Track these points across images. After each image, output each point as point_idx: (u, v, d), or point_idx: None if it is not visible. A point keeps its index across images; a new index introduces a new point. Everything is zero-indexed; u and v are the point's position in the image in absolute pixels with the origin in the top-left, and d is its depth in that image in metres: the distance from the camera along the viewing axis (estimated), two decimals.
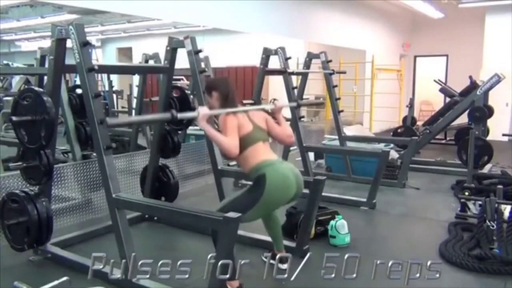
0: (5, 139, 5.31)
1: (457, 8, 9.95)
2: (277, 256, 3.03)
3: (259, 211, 2.65)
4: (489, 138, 6.50)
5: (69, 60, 2.93)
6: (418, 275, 2.99)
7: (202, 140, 5.28)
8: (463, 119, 6.93)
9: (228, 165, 4.36)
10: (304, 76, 6.06)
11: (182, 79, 8.69)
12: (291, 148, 5.89)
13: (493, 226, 3.37)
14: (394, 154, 5.74)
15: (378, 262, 3.18)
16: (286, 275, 2.94)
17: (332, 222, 3.49)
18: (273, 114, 3.03)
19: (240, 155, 2.68)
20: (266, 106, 3.06)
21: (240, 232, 2.61)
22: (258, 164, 2.65)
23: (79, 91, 4.58)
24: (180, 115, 2.64)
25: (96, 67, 2.78)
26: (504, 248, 3.16)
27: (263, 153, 2.71)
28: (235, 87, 2.90)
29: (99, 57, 13.64)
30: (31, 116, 2.86)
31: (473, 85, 6.60)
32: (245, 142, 2.67)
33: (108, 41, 14.08)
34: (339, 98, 5.93)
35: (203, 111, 2.61)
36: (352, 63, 9.53)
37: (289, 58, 4.95)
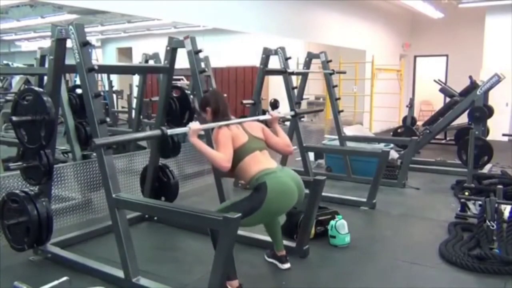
0: (5, 139, 5.31)
1: (457, 8, 9.95)
2: (277, 256, 3.04)
3: (259, 218, 2.64)
4: (489, 138, 6.50)
5: (69, 60, 2.93)
6: (418, 275, 3.00)
7: (202, 140, 5.28)
8: (463, 119, 6.93)
9: None
10: (304, 76, 6.07)
11: (182, 79, 8.69)
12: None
13: (493, 226, 3.37)
14: (394, 154, 5.74)
15: (378, 262, 3.20)
16: (286, 275, 2.95)
17: (332, 222, 3.49)
18: (270, 124, 3.04)
19: (237, 167, 2.67)
20: (261, 117, 3.06)
21: (240, 232, 2.61)
22: (258, 173, 2.62)
23: (79, 91, 4.58)
24: (170, 131, 2.63)
25: (96, 67, 2.78)
26: (504, 248, 3.16)
27: (261, 162, 2.68)
28: (226, 100, 2.91)
29: (99, 57, 13.64)
30: (31, 116, 2.86)
31: (473, 85, 6.60)
32: (241, 153, 2.66)
33: (108, 41, 14.08)
34: (339, 98, 5.93)
35: (193, 126, 2.59)
36: (352, 63, 9.53)
37: (289, 58, 4.95)
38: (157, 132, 2.61)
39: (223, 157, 2.55)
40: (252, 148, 2.70)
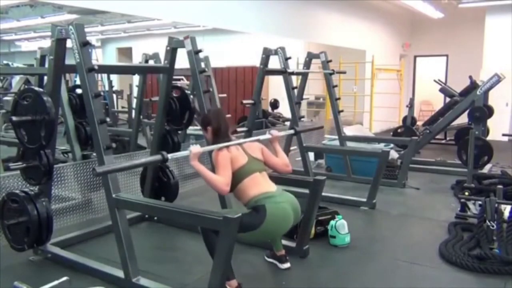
0: (5, 139, 5.31)
1: (457, 8, 9.95)
2: (277, 256, 3.04)
3: (254, 237, 2.67)
4: (489, 138, 6.50)
5: (69, 60, 2.93)
6: (418, 275, 3.00)
7: (201, 140, 5.28)
8: (463, 119, 6.93)
9: None
10: (304, 76, 6.07)
11: (182, 79, 8.69)
12: (291, 148, 5.89)
13: (493, 226, 3.37)
14: (394, 154, 5.74)
15: (378, 262, 3.20)
16: (286, 275, 2.95)
17: (332, 222, 3.49)
18: (270, 143, 3.05)
19: (236, 188, 2.67)
20: (262, 137, 3.07)
21: None
22: (257, 196, 2.63)
23: (79, 91, 4.58)
24: (171, 155, 2.62)
25: (96, 67, 2.78)
26: (504, 248, 3.16)
27: (261, 185, 2.69)
28: (227, 120, 2.91)
29: (99, 57, 13.64)
30: (31, 116, 2.86)
31: (473, 85, 6.59)
32: (240, 175, 2.66)
33: (108, 41, 14.09)
34: (339, 98, 5.93)
35: (194, 149, 2.60)
36: (352, 63, 9.53)
37: (289, 58, 4.95)
38: (157, 157, 2.62)
39: (222, 180, 2.57)
40: (251, 169, 2.71)
